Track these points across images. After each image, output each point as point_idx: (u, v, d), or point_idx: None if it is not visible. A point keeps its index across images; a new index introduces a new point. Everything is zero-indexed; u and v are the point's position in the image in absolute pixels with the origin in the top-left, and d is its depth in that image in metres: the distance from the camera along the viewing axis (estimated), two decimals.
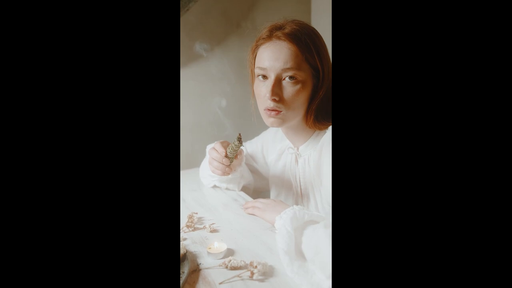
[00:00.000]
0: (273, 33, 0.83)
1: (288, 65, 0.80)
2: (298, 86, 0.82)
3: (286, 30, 0.82)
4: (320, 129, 0.88)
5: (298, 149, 0.95)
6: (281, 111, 0.83)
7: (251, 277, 0.61)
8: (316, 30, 0.87)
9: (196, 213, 0.87)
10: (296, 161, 0.96)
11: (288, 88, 0.82)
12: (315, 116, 0.85)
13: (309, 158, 0.91)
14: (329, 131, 0.84)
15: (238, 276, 0.62)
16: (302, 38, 0.81)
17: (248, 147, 1.14)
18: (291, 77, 0.81)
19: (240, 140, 0.87)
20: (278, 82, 0.82)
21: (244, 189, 1.09)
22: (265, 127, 1.05)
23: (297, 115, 0.86)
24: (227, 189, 1.08)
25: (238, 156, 0.94)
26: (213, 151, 0.95)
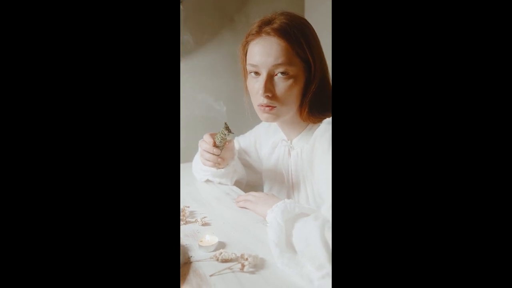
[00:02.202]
0: (262, 28, 0.83)
1: (279, 61, 0.80)
2: (291, 81, 0.82)
3: (275, 25, 0.81)
4: (314, 122, 0.88)
5: (291, 141, 0.95)
6: (275, 107, 0.83)
7: (241, 269, 0.62)
8: (307, 21, 0.86)
9: (188, 207, 0.88)
10: (289, 153, 0.96)
11: (281, 83, 0.82)
12: (309, 109, 0.85)
13: (301, 151, 0.92)
14: (322, 125, 0.84)
15: (229, 268, 0.62)
16: (291, 32, 0.81)
17: (241, 141, 1.14)
18: (283, 73, 0.81)
19: (227, 128, 0.87)
20: (270, 78, 0.82)
21: (237, 183, 1.09)
22: (259, 122, 1.05)
23: (291, 110, 0.86)
24: (219, 183, 1.08)
25: (227, 144, 0.95)
26: (203, 142, 0.96)
